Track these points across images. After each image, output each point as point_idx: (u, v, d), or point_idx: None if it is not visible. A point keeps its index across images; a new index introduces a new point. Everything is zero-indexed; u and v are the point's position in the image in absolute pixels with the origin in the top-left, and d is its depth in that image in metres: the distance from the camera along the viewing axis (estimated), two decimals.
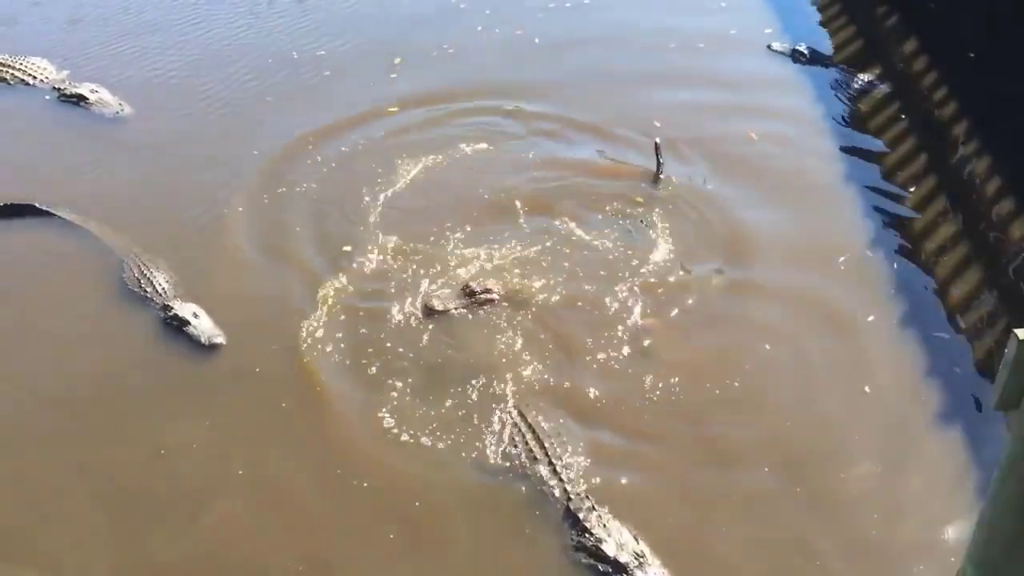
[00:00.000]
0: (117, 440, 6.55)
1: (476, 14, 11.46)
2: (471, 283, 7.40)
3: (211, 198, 8.59)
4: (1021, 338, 3.75)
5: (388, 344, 7.11)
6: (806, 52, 10.45)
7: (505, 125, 9.49)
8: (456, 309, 7.26)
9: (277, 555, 5.87)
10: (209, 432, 6.57)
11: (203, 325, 7.27)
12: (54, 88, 10.30)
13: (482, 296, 7.32)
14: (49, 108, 10.03)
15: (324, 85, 10.20)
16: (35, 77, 10.45)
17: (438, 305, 7.26)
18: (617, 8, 11.60)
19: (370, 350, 7.05)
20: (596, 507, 5.90)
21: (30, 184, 8.83)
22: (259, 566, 5.84)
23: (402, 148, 9.11)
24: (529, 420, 6.42)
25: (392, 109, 9.70)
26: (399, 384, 6.80)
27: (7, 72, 10.48)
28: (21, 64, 10.55)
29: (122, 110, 9.90)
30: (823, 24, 11.33)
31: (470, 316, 7.30)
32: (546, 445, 6.24)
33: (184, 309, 7.36)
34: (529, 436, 6.31)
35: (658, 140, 8.53)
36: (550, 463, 6.15)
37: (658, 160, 8.50)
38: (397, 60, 10.53)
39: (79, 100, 10.02)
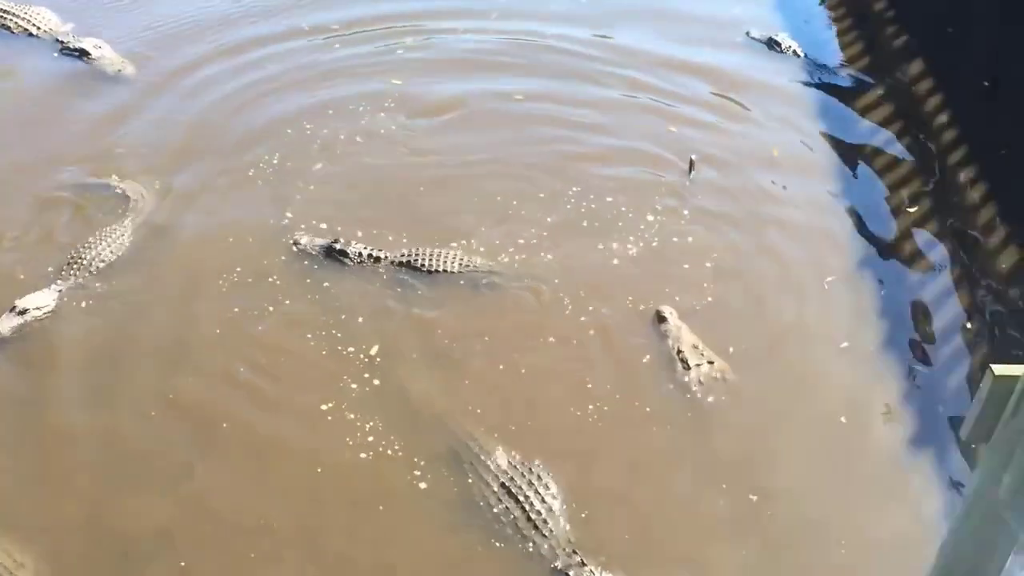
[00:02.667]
0: None
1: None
2: (340, 239, 7.73)
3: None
4: (996, 373, 3.79)
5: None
6: (780, 41, 10.38)
7: None
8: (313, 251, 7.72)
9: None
10: None
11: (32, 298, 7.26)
12: (57, 40, 10.23)
13: (339, 256, 7.68)
14: (53, 62, 9.99)
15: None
16: (39, 27, 10.36)
17: (303, 240, 7.76)
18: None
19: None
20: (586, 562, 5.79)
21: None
22: None
23: None
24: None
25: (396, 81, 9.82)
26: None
27: (11, 20, 10.37)
28: (25, 13, 10.45)
29: (124, 69, 9.85)
30: (837, 36, 11.30)
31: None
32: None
33: (40, 296, 7.32)
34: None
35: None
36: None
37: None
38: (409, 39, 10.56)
39: (82, 55, 9.96)
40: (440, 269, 7.58)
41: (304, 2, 10.81)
